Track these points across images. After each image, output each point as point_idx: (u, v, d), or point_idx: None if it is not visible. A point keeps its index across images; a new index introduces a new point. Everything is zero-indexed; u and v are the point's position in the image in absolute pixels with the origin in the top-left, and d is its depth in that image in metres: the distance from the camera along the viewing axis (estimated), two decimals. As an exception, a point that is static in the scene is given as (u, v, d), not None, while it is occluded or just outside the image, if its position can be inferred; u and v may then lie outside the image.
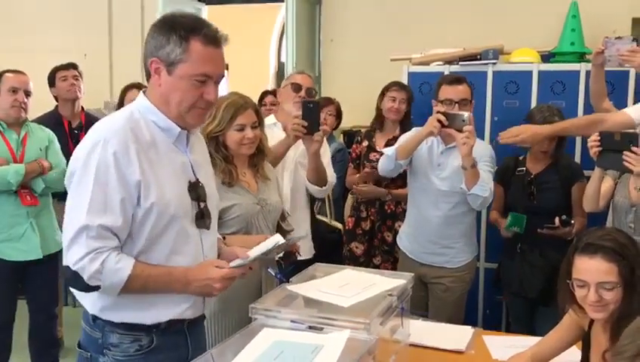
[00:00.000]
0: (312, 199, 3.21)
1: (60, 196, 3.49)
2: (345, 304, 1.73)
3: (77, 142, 3.76)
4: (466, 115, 2.76)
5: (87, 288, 1.62)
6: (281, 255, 2.40)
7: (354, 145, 3.81)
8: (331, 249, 3.60)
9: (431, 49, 3.95)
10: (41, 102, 3.81)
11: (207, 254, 1.79)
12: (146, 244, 1.67)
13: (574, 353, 1.98)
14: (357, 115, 4.02)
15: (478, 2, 4.54)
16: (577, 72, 3.59)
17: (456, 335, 2.31)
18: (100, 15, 5.44)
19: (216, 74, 1.69)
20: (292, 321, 1.63)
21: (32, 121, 3.45)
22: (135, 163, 1.62)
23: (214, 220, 1.83)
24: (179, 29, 1.64)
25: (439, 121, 2.76)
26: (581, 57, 3.74)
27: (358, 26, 4.89)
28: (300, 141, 2.79)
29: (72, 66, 3.97)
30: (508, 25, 4.32)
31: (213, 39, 1.67)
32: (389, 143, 3.49)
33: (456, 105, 2.90)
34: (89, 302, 1.70)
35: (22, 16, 5.60)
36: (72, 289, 1.70)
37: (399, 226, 3.38)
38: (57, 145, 3.41)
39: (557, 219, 2.98)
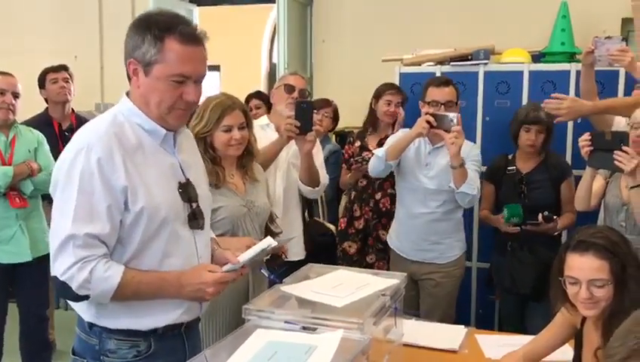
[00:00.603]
0: (304, 200, 3.21)
1: (50, 199, 3.47)
2: (338, 304, 1.72)
3: (67, 144, 3.80)
4: (454, 115, 2.83)
5: (77, 298, 1.59)
6: (267, 257, 2.38)
7: (346, 146, 3.82)
8: (325, 250, 3.59)
9: (422, 49, 3.95)
10: (32, 104, 3.79)
11: (202, 255, 1.76)
12: (137, 249, 1.64)
13: (567, 352, 1.99)
14: (349, 115, 4.02)
15: (468, 3, 4.55)
16: (568, 72, 3.61)
17: (449, 335, 2.31)
18: (90, 16, 5.41)
19: (195, 74, 1.62)
20: (286, 322, 1.63)
21: (22, 123, 3.43)
22: (120, 168, 1.58)
23: (207, 219, 1.81)
24: (153, 28, 1.59)
25: (428, 122, 2.84)
26: (571, 57, 3.76)
27: (349, 27, 4.90)
28: (293, 141, 2.78)
29: (63, 68, 3.93)
30: (499, 25, 4.33)
31: (191, 37, 1.60)
32: (382, 143, 3.51)
33: (443, 106, 3.00)
34: (84, 309, 1.68)
35: (12, 18, 5.56)
36: (63, 298, 1.68)
37: (395, 224, 3.41)
38: (46, 146, 3.39)
39: (540, 216, 3.05)
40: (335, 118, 4.07)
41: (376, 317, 1.67)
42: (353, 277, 1.98)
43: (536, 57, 3.87)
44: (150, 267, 1.65)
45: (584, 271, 1.72)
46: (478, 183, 2.97)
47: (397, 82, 3.84)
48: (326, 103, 4.02)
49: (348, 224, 3.67)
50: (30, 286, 3.29)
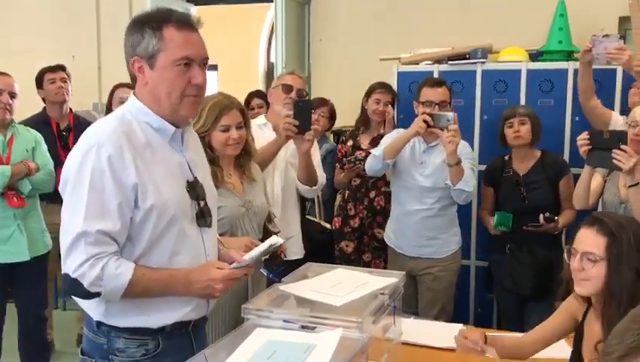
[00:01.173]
0: (302, 199, 3.21)
1: (49, 198, 3.47)
2: (337, 303, 1.72)
3: (65, 144, 3.82)
4: (450, 115, 2.91)
5: (88, 295, 1.59)
6: (266, 256, 2.38)
7: (339, 146, 3.83)
8: (323, 249, 3.60)
9: (420, 48, 3.96)
10: (29, 103, 3.79)
11: (210, 252, 1.77)
12: (146, 247, 1.65)
13: (565, 349, 2.00)
14: (347, 114, 4.02)
15: (466, 2, 4.56)
16: (565, 71, 3.61)
17: (448, 333, 2.31)
18: (88, 16, 5.41)
19: (198, 56, 1.65)
20: (284, 321, 1.63)
21: (20, 123, 3.43)
22: (131, 165, 1.60)
23: (214, 217, 1.81)
24: (150, 21, 1.63)
25: (425, 121, 2.91)
26: (569, 56, 3.77)
27: (347, 26, 4.89)
28: (291, 141, 2.78)
29: (60, 68, 3.92)
30: (496, 24, 4.34)
31: (186, 23, 1.65)
32: (374, 142, 3.56)
33: (437, 106, 3.06)
34: (93, 308, 1.68)
35: (9, 18, 5.55)
36: (73, 296, 1.67)
37: (390, 222, 3.42)
38: (44, 146, 3.39)
39: (541, 217, 3.06)
40: (332, 117, 4.08)
41: (375, 316, 1.67)
42: (352, 276, 1.98)
43: (534, 56, 3.88)
44: (159, 265, 1.66)
45: (582, 242, 1.76)
46: (474, 181, 3.04)
47: (395, 81, 3.85)
48: (322, 103, 4.02)
49: (343, 223, 3.68)
50: (28, 286, 3.29)
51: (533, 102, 3.56)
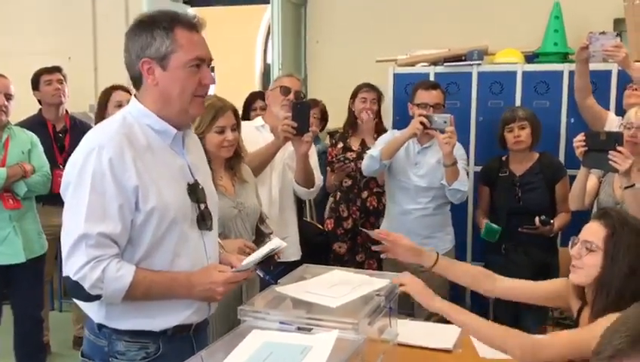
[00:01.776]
0: (299, 201, 3.21)
1: (45, 199, 3.47)
2: (333, 304, 1.73)
3: (61, 145, 3.81)
4: (447, 117, 2.96)
5: (89, 297, 1.59)
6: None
7: (330, 148, 3.84)
8: (319, 250, 3.60)
9: (416, 50, 3.97)
10: (25, 105, 3.78)
11: (211, 255, 1.77)
12: (148, 249, 1.65)
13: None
14: (343, 116, 4.02)
15: (462, 4, 4.57)
16: (561, 72, 3.63)
17: (443, 334, 2.32)
18: (84, 17, 5.39)
19: (207, 56, 1.70)
20: (281, 322, 1.63)
21: (16, 125, 3.42)
22: (131, 168, 1.60)
23: (215, 220, 1.82)
24: (160, 22, 1.64)
25: (422, 123, 2.96)
26: (564, 57, 3.78)
27: (343, 28, 4.90)
28: (289, 143, 2.79)
29: (57, 70, 3.90)
30: (492, 26, 4.35)
31: (194, 25, 1.69)
32: (364, 143, 3.57)
33: (431, 108, 3.13)
34: (94, 310, 1.68)
35: (5, 19, 5.53)
36: (75, 299, 1.67)
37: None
38: (40, 148, 3.38)
39: (537, 219, 3.06)
40: (323, 117, 4.08)
41: (370, 318, 1.68)
42: (348, 278, 1.99)
43: (530, 58, 3.89)
44: (161, 268, 1.67)
45: (585, 232, 1.78)
46: (467, 181, 3.13)
47: (391, 83, 3.87)
48: (313, 103, 4.03)
49: (336, 224, 3.68)
50: (24, 287, 3.28)
51: (528, 104, 3.56)
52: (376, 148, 3.18)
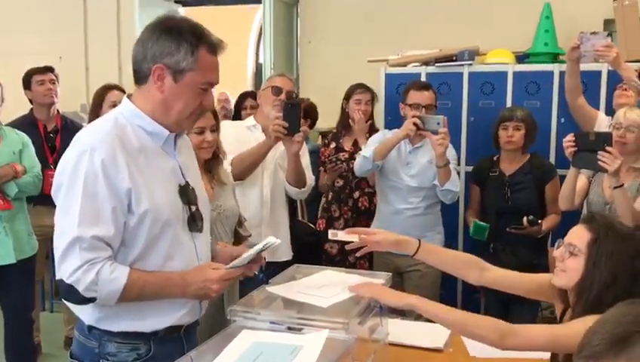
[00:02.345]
0: (291, 201, 3.21)
1: (36, 200, 3.46)
2: (324, 304, 1.73)
3: (53, 145, 3.80)
4: (440, 118, 2.97)
5: (83, 300, 1.58)
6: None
7: (322, 148, 3.83)
8: (311, 250, 3.60)
9: (408, 50, 3.98)
10: (16, 104, 3.76)
11: (202, 257, 1.77)
12: (141, 251, 1.64)
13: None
14: (335, 116, 4.02)
15: (453, 4, 4.58)
16: (551, 73, 3.65)
17: (434, 334, 2.32)
18: (75, 17, 5.38)
19: (217, 82, 1.71)
20: (271, 322, 1.63)
21: (7, 125, 3.41)
22: (124, 170, 1.59)
23: (206, 221, 1.82)
24: (188, 36, 1.61)
25: (415, 124, 2.98)
26: (555, 58, 3.80)
27: (335, 28, 4.91)
28: (280, 142, 2.79)
29: (49, 70, 3.87)
30: (483, 26, 4.37)
31: (216, 48, 1.68)
32: (356, 144, 3.59)
33: (424, 109, 3.15)
34: (87, 313, 1.67)
35: (-4, 18, 5.52)
36: (67, 302, 1.66)
37: (374, 223, 3.44)
38: (32, 148, 3.37)
39: (524, 219, 3.06)
40: (307, 116, 4.06)
41: (361, 317, 1.69)
42: (339, 278, 1.99)
43: (521, 58, 3.91)
44: (154, 269, 1.66)
45: (571, 235, 1.77)
46: (458, 180, 3.17)
47: (382, 83, 3.87)
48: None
49: (327, 225, 3.68)
50: (15, 288, 3.27)
51: (519, 104, 3.57)
52: (368, 149, 3.18)
